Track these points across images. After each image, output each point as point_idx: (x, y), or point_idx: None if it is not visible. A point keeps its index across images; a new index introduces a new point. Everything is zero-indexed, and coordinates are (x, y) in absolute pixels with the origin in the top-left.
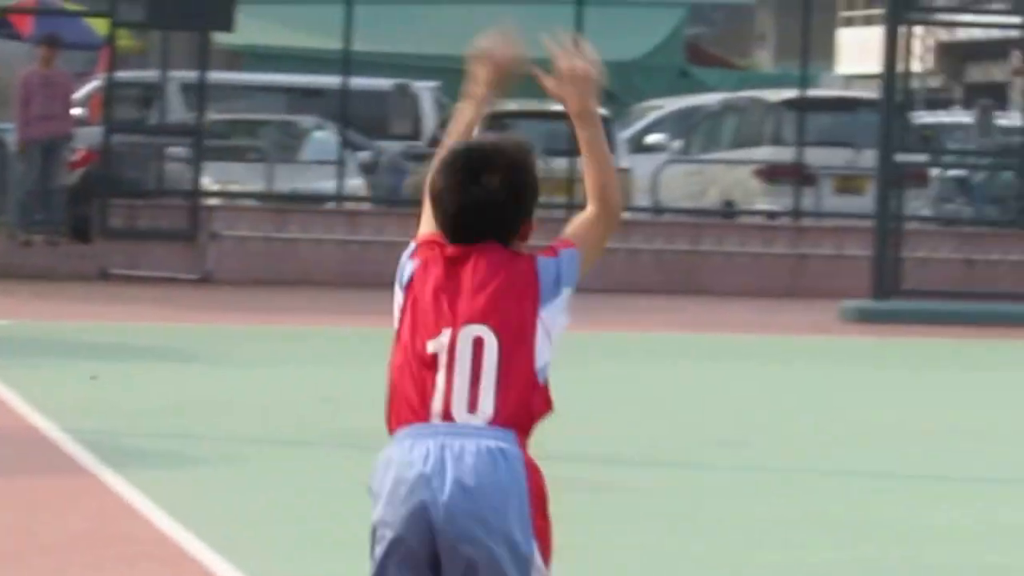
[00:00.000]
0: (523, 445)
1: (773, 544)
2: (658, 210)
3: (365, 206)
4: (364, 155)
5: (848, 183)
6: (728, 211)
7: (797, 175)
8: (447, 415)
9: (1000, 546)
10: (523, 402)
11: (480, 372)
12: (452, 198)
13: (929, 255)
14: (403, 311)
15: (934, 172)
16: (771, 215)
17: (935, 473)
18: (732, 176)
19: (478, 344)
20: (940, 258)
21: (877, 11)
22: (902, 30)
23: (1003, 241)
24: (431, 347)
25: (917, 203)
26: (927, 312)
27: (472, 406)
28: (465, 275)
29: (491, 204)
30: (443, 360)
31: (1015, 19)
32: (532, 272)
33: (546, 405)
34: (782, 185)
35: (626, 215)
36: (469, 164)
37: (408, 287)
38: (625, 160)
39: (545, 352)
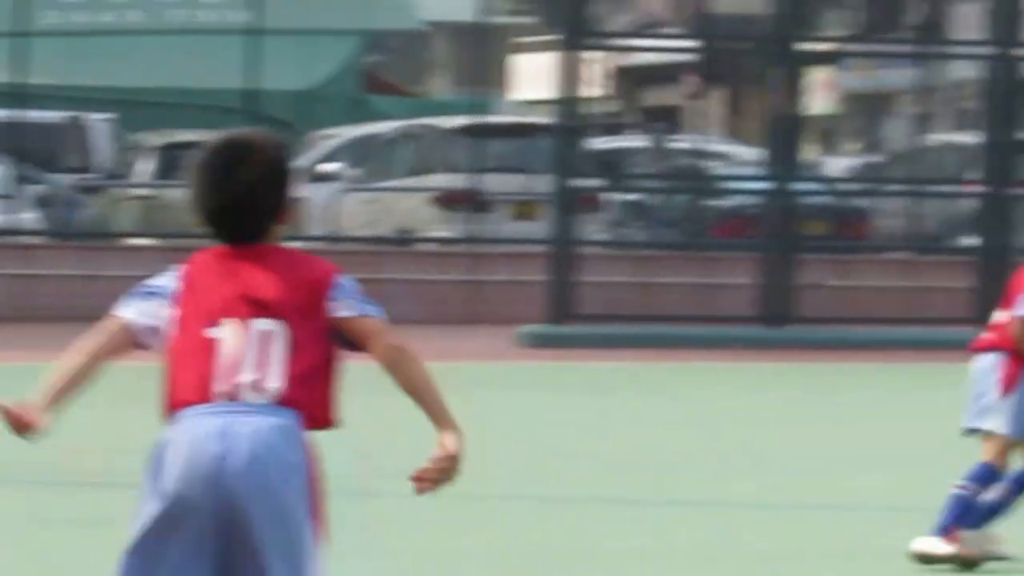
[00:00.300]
0: (306, 431)
1: (448, 573)
2: (335, 239)
3: (39, 239)
4: (38, 188)
5: (524, 209)
6: (404, 238)
7: (473, 201)
8: (233, 396)
9: (681, 568)
10: (307, 393)
11: (267, 360)
12: (210, 195)
13: (605, 279)
14: (179, 301)
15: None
16: (447, 242)
17: (613, 497)
18: (408, 204)
19: (265, 336)
20: (616, 282)
21: (552, 37)
22: (577, 56)
23: (678, 264)
24: (214, 333)
25: (593, 227)
26: (604, 336)
27: (258, 387)
28: (247, 270)
29: (249, 197)
30: (229, 347)
31: (687, 43)
32: (328, 277)
33: (328, 409)
34: (458, 212)
35: (303, 244)
36: (224, 160)
37: (185, 279)
38: (302, 189)
39: (331, 353)
